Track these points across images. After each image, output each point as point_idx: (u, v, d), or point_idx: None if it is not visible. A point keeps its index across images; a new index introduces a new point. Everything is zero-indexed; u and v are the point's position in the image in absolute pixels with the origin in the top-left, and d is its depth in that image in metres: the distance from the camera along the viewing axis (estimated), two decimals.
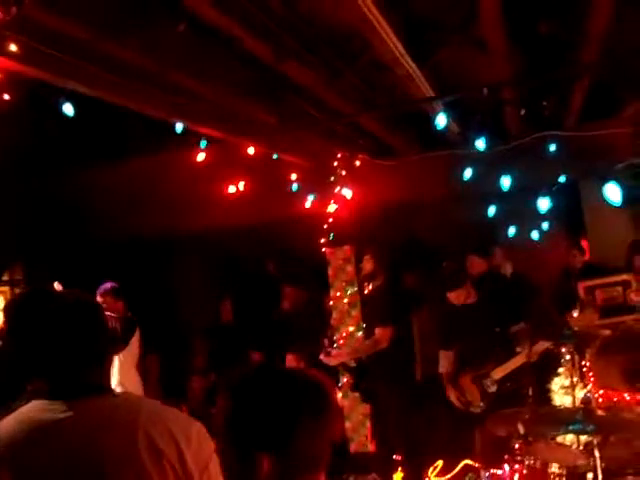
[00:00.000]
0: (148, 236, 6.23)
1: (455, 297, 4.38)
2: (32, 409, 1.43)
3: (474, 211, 5.37)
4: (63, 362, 1.47)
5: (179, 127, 4.14)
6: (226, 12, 2.80)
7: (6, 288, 8.67)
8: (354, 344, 5.40)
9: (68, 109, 3.05)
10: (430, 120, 4.50)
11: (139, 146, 5.61)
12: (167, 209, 6.01)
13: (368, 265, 4.97)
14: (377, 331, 4.80)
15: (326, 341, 5.18)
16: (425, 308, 5.42)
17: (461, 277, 4.41)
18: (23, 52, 2.28)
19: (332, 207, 5.49)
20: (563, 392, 4.02)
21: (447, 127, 4.42)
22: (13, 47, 2.21)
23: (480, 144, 4.29)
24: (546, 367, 4.29)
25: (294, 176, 5.41)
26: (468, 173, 4.68)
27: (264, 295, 6.79)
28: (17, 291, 8.72)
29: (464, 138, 5.12)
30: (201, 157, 4.50)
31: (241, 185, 5.07)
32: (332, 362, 4.96)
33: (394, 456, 4.76)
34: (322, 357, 4.90)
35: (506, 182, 4.74)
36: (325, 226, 5.60)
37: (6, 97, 2.33)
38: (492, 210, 5.20)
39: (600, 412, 3.23)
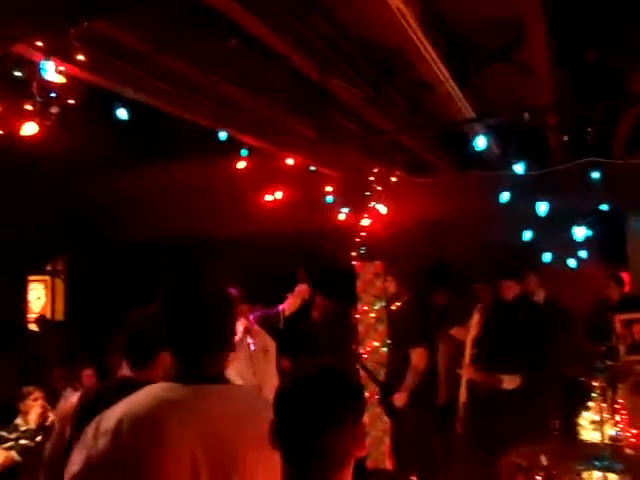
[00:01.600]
0: (184, 239, 6.38)
1: (456, 333, 4.38)
2: (162, 389, 1.52)
3: (509, 234, 5.34)
4: (195, 347, 1.56)
5: (223, 135, 4.26)
6: (275, 29, 2.90)
7: (47, 277, 9.05)
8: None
9: (122, 114, 3.19)
10: (469, 141, 4.53)
11: (183, 152, 5.77)
12: (204, 214, 6.16)
13: (391, 286, 4.99)
14: (413, 355, 4.75)
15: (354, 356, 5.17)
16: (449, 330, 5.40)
17: (463, 313, 4.41)
18: (89, 61, 2.42)
19: (365, 221, 5.54)
20: (592, 427, 3.91)
21: (487, 149, 4.43)
22: (81, 56, 2.36)
23: (519, 168, 4.28)
24: (576, 400, 4.20)
25: (329, 188, 5.49)
26: (505, 196, 4.66)
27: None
28: (57, 281, 9.10)
29: (503, 160, 5.11)
30: (241, 165, 4.61)
31: (278, 194, 5.16)
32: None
33: (411, 476, 4.74)
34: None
35: (542, 207, 4.71)
36: (357, 240, 5.65)
37: (71, 102, 2.47)
38: (527, 235, 5.16)
39: (629, 451, 3.17)
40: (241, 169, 4.64)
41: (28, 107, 2.40)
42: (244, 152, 4.60)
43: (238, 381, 3.75)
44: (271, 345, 4.35)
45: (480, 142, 4.05)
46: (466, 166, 5.71)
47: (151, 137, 5.34)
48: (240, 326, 4.13)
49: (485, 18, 3.65)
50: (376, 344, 5.66)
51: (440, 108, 4.45)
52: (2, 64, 2.26)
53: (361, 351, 5.62)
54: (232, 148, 4.63)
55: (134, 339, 2.00)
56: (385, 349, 5.58)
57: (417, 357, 4.71)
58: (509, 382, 4.18)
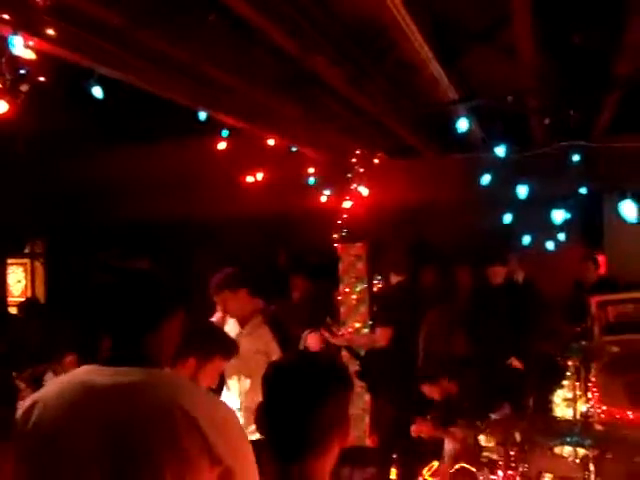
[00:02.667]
0: (163, 220, 6.30)
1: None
2: (86, 372, 1.51)
3: (489, 217, 5.36)
4: (115, 330, 1.53)
5: (202, 115, 4.18)
6: (256, 6, 2.83)
7: (27, 260, 8.91)
8: (354, 335, 5.37)
9: (97, 92, 3.10)
10: (452, 123, 4.51)
11: (162, 132, 5.67)
12: (184, 195, 6.08)
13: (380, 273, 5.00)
14: (378, 330, 4.83)
15: (329, 320, 5.16)
16: (435, 309, 5.43)
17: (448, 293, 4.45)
18: (60, 36, 2.34)
19: (347, 203, 5.52)
20: (565, 404, 4.02)
21: (469, 131, 4.42)
22: (51, 31, 2.27)
23: (500, 150, 4.28)
24: (550, 378, 4.29)
25: (311, 170, 5.44)
26: (486, 178, 4.67)
27: (274, 285, 6.85)
28: (36, 264, 8.96)
29: (485, 143, 5.11)
30: (222, 146, 4.54)
31: (259, 175, 5.11)
32: (338, 341, 4.96)
33: (391, 453, 4.80)
34: (328, 335, 4.88)
35: (522, 190, 4.73)
36: (339, 222, 5.63)
37: (41, 79, 2.39)
38: (508, 217, 5.19)
39: (600, 427, 3.24)
40: (221, 150, 4.56)
41: None
42: (224, 133, 4.52)
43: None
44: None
45: (462, 124, 4.03)
46: (448, 149, 5.70)
47: (129, 116, 5.23)
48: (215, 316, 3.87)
49: None
50: (358, 325, 5.70)
51: (424, 90, 4.42)
52: None
53: (343, 331, 5.63)
54: (212, 128, 4.55)
55: None
56: (367, 330, 5.62)
57: (380, 334, 4.76)
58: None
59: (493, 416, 3.76)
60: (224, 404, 1.60)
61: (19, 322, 6.92)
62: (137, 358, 1.49)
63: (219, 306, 3.81)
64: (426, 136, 5.57)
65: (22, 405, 1.48)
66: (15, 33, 2.20)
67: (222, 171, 5.31)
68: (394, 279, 4.85)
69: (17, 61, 2.31)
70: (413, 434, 4.11)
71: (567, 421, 3.46)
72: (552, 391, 4.22)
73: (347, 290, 5.75)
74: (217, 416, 1.48)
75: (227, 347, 2.57)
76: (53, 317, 7.35)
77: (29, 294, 8.87)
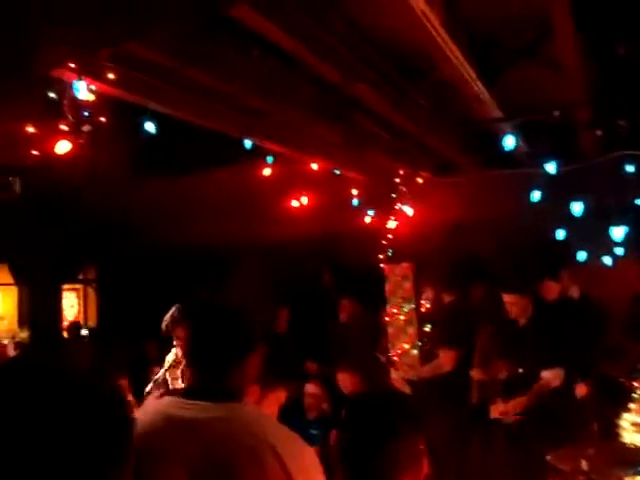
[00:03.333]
0: (211, 245, 6.44)
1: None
2: (169, 404, 1.54)
3: (540, 234, 5.25)
4: (201, 364, 1.57)
5: (248, 143, 4.28)
6: (296, 37, 2.90)
7: (80, 286, 9.27)
8: (419, 369, 5.26)
9: (150, 127, 3.24)
10: (497, 139, 4.46)
11: (210, 161, 5.82)
12: (232, 221, 6.20)
13: (429, 294, 4.96)
14: (441, 354, 4.74)
15: (384, 358, 5.17)
16: (487, 328, 5.33)
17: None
18: (118, 78, 2.47)
19: (392, 223, 5.51)
20: (633, 430, 3.81)
21: (515, 147, 4.37)
22: (111, 75, 2.41)
23: (550, 166, 4.20)
24: (615, 401, 4.10)
25: (355, 191, 5.48)
26: (536, 194, 4.57)
27: (320, 306, 6.87)
28: (89, 289, 9.30)
29: (532, 158, 5.03)
30: (267, 172, 4.63)
31: (304, 199, 5.17)
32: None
33: (446, 478, 4.70)
34: (394, 375, 4.84)
35: (577, 207, 4.61)
36: (384, 242, 5.63)
37: (102, 119, 2.53)
38: (560, 232, 5.07)
39: None
40: (267, 176, 4.65)
41: (63, 127, 2.45)
42: (269, 159, 4.61)
43: None
44: None
45: (509, 142, 3.99)
46: (493, 165, 5.64)
47: (178, 148, 5.40)
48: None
49: (510, 15, 3.60)
50: (406, 346, 5.64)
51: (466, 108, 4.40)
52: (38, 86, 2.32)
53: (391, 353, 5.60)
54: (257, 156, 4.65)
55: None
56: (415, 351, 5.56)
57: (445, 358, 4.68)
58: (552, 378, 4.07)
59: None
60: (302, 440, 1.59)
61: (69, 345, 7.17)
62: (221, 392, 1.51)
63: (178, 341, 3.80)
64: (470, 153, 5.54)
65: None
66: (80, 79, 2.34)
67: (268, 196, 5.40)
68: (446, 299, 4.81)
69: (79, 104, 2.45)
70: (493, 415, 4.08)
71: (638, 449, 3.29)
72: (618, 415, 4.01)
73: (394, 311, 5.71)
74: (298, 452, 1.50)
75: (291, 377, 2.57)
76: (104, 341, 7.58)
77: (81, 319, 9.20)
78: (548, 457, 3.12)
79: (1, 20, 1.95)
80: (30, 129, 2.52)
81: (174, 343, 3.75)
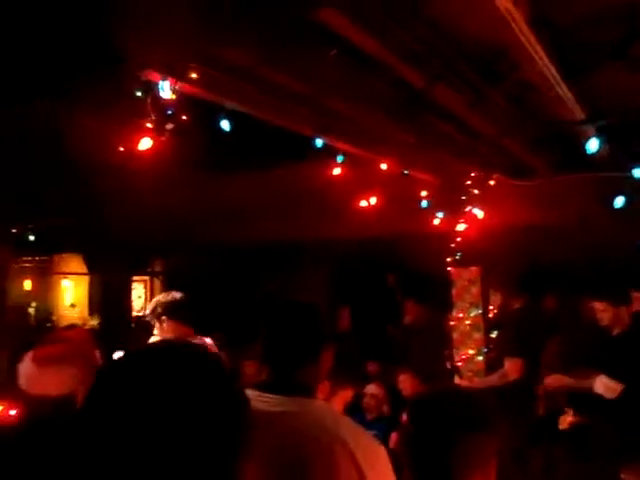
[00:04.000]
0: (276, 242, 6.50)
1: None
2: (252, 397, 1.55)
3: (623, 243, 5.00)
4: (277, 359, 1.60)
5: (319, 142, 4.28)
6: (378, 38, 2.88)
7: (147, 277, 9.61)
8: (485, 378, 5.14)
9: (225, 125, 3.29)
10: (577, 142, 4.29)
11: (279, 159, 5.87)
12: (298, 217, 6.24)
13: (497, 299, 4.83)
14: (507, 362, 4.62)
15: (448, 364, 5.09)
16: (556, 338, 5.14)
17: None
18: (200, 78, 2.53)
19: (461, 226, 5.40)
20: None
21: (598, 150, 4.18)
22: (194, 75, 2.47)
23: (638, 171, 4.00)
24: None
25: (424, 193, 5.39)
26: (620, 201, 4.35)
27: (383, 307, 6.83)
28: (156, 281, 9.64)
29: (616, 162, 4.80)
30: (337, 171, 4.62)
31: (372, 199, 5.14)
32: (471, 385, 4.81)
33: None
34: (459, 381, 4.77)
35: None
36: (452, 245, 5.52)
37: (184, 117, 2.61)
38: None
39: None
40: (337, 175, 4.64)
41: (148, 125, 2.54)
42: (339, 158, 4.60)
43: None
44: None
45: (592, 145, 3.81)
46: (571, 168, 5.41)
47: (249, 145, 5.48)
48: None
49: (597, 14, 3.44)
50: (472, 352, 5.51)
51: (546, 109, 4.25)
52: (126, 86, 2.41)
53: (455, 359, 5.49)
54: (327, 154, 4.65)
55: None
56: (481, 357, 5.43)
57: (510, 367, 4.56)
58: (603, 388, 3.89)
59: None
60: (373, 437, 1.61)
61: (137, 333, 7.44)
62: (295, 387, 1.54)
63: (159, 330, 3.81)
64: (548, 156, 5.34)
65: None
66: (164, 79, 2.41)
67: (336, 195, 5.40)
68: (515, 305, 4.67)
69: (163, 103, 2.52)
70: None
71: None
72: None
73: (461, 315, 5.59)
74: (369, 448, 1.50)
75: (358, 376, 2.58)
76: None
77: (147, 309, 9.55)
78: (622, 475, 2.98)
79: (96, 22, 2.03)
80: (117, 127, 2.63)
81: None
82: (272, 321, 1.65)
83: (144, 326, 8.39)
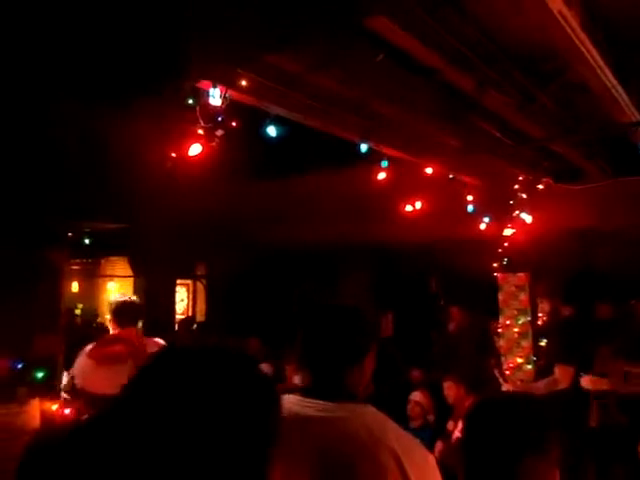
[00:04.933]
0: (322, 247, 6.51)
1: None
2: (290, 401, 1.54)
3: None
4: (319, 365, 1.58)
5: (364, 147, 4.27)
6: (426, 43, 2.85)
7: (189, 281, 9.76)
8: (531, 384, 5.06)
9: (272, 131, 3.31)
10: (631, 145, 4.16)
11: (325, 164, 5.88)
12: (343, 222, 6.23)
13: (545, 306, 4.72)
14: (557, 370, 4.50)
15: (497, 372, 4.98)
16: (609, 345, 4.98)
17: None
18: (249, 85, 2.56)
19: (509, 231, 5.29)
20: None
21: None
22: (244, 82, 2.50)
23: None
24: None
25: (471, 197, 5.31)
26: None
27: (425, 312, 6.75)
28: (198, 284, 9.78)
29: None
30: (382, 176, 4.60)
31: (418, 204, 5.09)
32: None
33: None
34: (504, 385, 4.68)
35: None
36: (500, 250, 5.42)
37: (234, 124, 2.63)
38: None
39: None
40: (381, 180, 4.62)
41: (199, 132, 2.58)
42: (384, 163, 4.58)
43: None
44: None
45: None
46: (624, 172, 5.25)
47: (293, 150, 5.50)
48: None
49: None
50: (520, 360, 5.39)
51: (596, 110, 4.14)
52: (179, 94, 2.45)
53: (503, 367, 5.37)
54: (373, 159, 4.63)
55: None
56: (530, 366, 5.30)
57: (561, 374, 4.44)
58: None
59: None
60: (420, 444, 1.57)
61: (178, 337, 7.54)
62: (340, 392, 1.51)
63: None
64: (597, 159, 5.19)
65: None
66: (214, 86, 2.44)
67: (381, 200, 5.37)
68: (564, 312, 4.55)
69: (212, 110, 2.56)
70: None
71: None
72: None
73: (508, 322, 5.48)
74: (417, 456, 1.47)
75: (400, 383, 2.54)
76: (209, 333, 7.91)
77: (190, 312, 9.68)
78: None
79: (158, 35, 2.08)
80: (171, 133, 2.67)
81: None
82: (314, 325, 1.61)
83: (190, 329, 8.54)
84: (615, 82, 3.33)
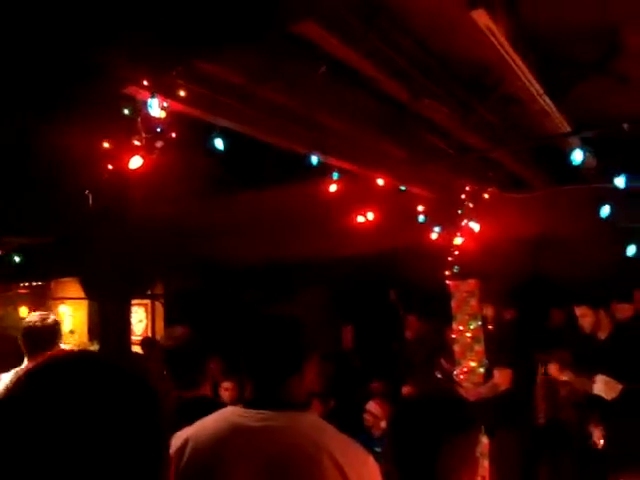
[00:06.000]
0: (275, 261, 6.53)
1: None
2: (232, 413, 1.57)
3: (611, 250, 5.04)
4: (259, 375, 1.59)
5: (314, 159, 4.34)
6: (363, 54, 2.95)
7: (147, 301, 9.60)
8: (477, 388, 5.17)
9: (219, 144, 3.34)
10: (565, 154, 4.35)
11: (275, 178, 5.94)
12: (297, 237, 6.28)
13: (489, 311, 4.87)
14: (496, 373, 4.65)
15: (444, 362, 5.04)
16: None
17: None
18: (189, 96, 2.59)
19: (458, 240, 5.44)
20: None
21: (584, 162, 4.24)
22: (182, 92, 2.53)
23: (620, 181, 4.05)
24: None
25: (421, 208, 5.45)
26: (606, 210, 4.41)
27: (385, 323, 6.83)
28: (157, 304, 9.62)
29: (602, 173, 4.87)
30: (333, 188, 4.68)
31: (369, 215, 5.18)
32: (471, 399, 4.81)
33: None
34: (463, 392, 4.78)
35: None
36: (450, 258, 5.55)
37: (173, 135, 2.65)
38: (632, 249, 4.85)
39: None
40: (334, 192, 4.70)
41: (136, 143, 2.58)
42: (335, 175, 4.66)
43: None
44: None
45: (577, 156, 3.88)
46: (562, 181, 5.48)
47: (242, 165, 5.54)
48: None
49: (579, 29, 3.53)
50: (473, 364, 5.50)
51: (533, 122, 4.32)
52: (114, 103, 2.46)
53: (457, 372, 5.48)
54: (323, 171, 4.71)
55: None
56: (482, 370, 5.42)
57: (499, 377, 4.58)
58: (603, 389, 3.87)
59: None
60: (362, 449, 1.59)
61: (141, 359, 7.41)
62: (281, 401, 1.53)
63: None
64: (538, 169, 5.40)
65: (173, 443, 1.52)
66: (153, 96, 2.47)
67: (334, 212, 5.45)
68: (506, 316, 4.70)
69: (152, 121, 2.58)
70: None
71: None
72: None
73: (461, 328, 5.60)
74: (358, 461, 1.50)
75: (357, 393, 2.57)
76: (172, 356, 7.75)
77: (149, 333, 9.52)
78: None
79: (79, 38, 2.08)
80: (106, 144, 2.66)
81: None
82: (251, 335, 1.62)
83: (153, 350, 8.36)
84: (543, 94, 3.50)
